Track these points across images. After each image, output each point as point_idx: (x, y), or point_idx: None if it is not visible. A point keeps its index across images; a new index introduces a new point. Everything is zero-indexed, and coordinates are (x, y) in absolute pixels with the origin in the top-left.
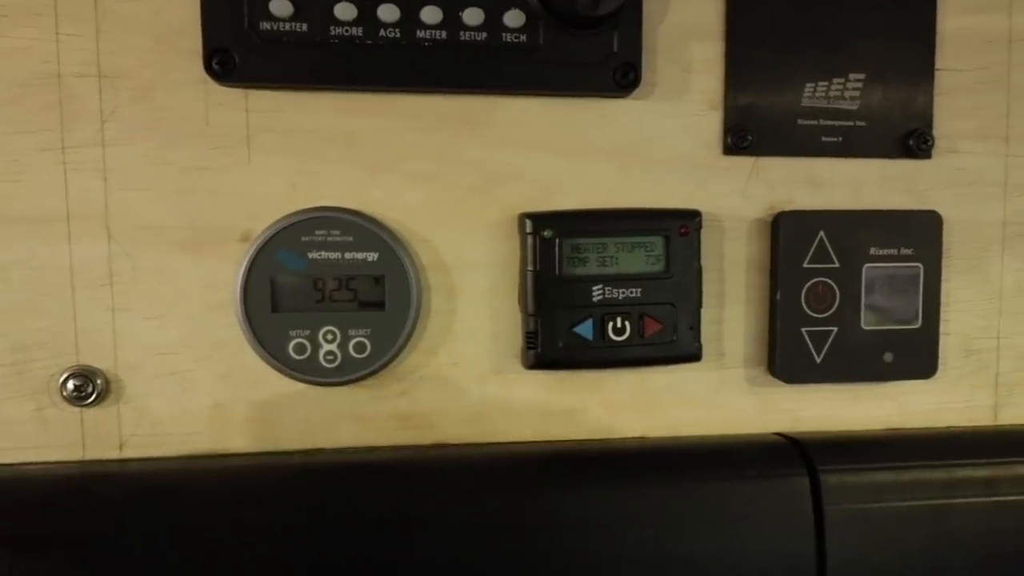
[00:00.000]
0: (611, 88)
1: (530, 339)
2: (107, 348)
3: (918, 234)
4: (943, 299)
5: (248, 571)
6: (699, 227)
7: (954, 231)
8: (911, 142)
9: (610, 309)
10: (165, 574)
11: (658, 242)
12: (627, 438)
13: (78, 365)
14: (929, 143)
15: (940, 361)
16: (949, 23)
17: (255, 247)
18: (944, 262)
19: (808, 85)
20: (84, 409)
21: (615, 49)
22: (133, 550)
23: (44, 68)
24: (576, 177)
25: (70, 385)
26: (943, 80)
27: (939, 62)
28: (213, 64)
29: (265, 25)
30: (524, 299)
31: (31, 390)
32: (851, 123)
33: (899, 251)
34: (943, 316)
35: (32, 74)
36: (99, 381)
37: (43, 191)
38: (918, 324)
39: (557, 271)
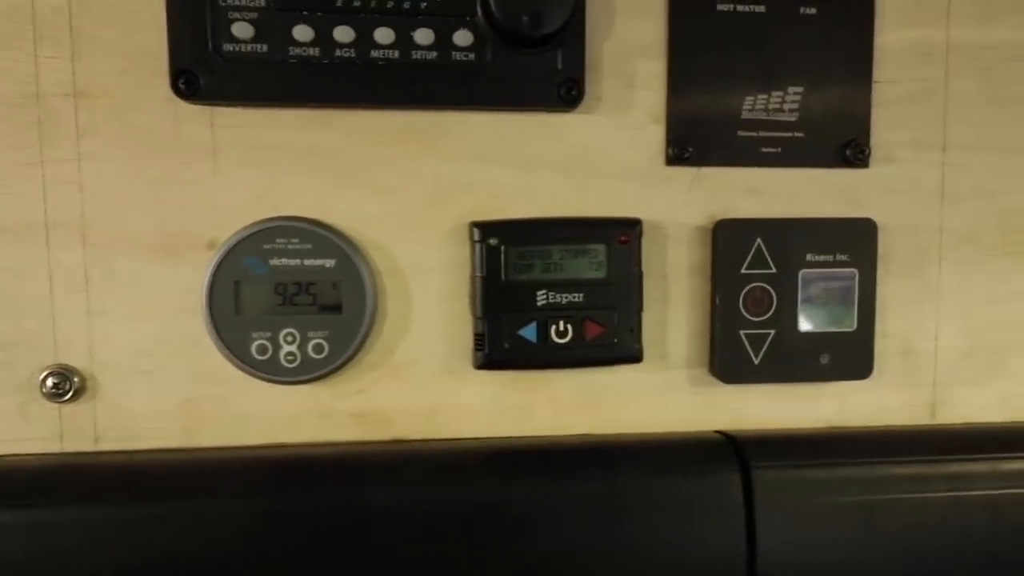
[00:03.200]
0: (556, 103)
1: (478, 341)
2: (83, 348)
3: (854, 241)
4: (882, 302)
5: (214, 558)
6: (639, 235)
7: (892, 237)
8: (848, 152)
9: (554, 313)
10: (135, 559)
11: (600, 249)
12: (572, 435)
13: (56, 364)
14: (866, 153)
15: (877, 362)
16: (887, 36)
17: (220, 254)
18: (883, 267)
19: (748, 98)
20: (62, 405)
21: (559, 66)
22: (105, 537)
23: (25, 88)
24: (525, 188)
25: (49, 383)
26: (881, 92)
27: (877, 75)
28: (179, 84)
29: (228, 47)
30: (473, 303)
31: (14, 387)
32: (790, 134)
33: (835, 257)
34: (882, 319)
35: (14, 94)
36: (76, 379)
37: (24, 202)
38: (854, 327)
39: (503, 277)
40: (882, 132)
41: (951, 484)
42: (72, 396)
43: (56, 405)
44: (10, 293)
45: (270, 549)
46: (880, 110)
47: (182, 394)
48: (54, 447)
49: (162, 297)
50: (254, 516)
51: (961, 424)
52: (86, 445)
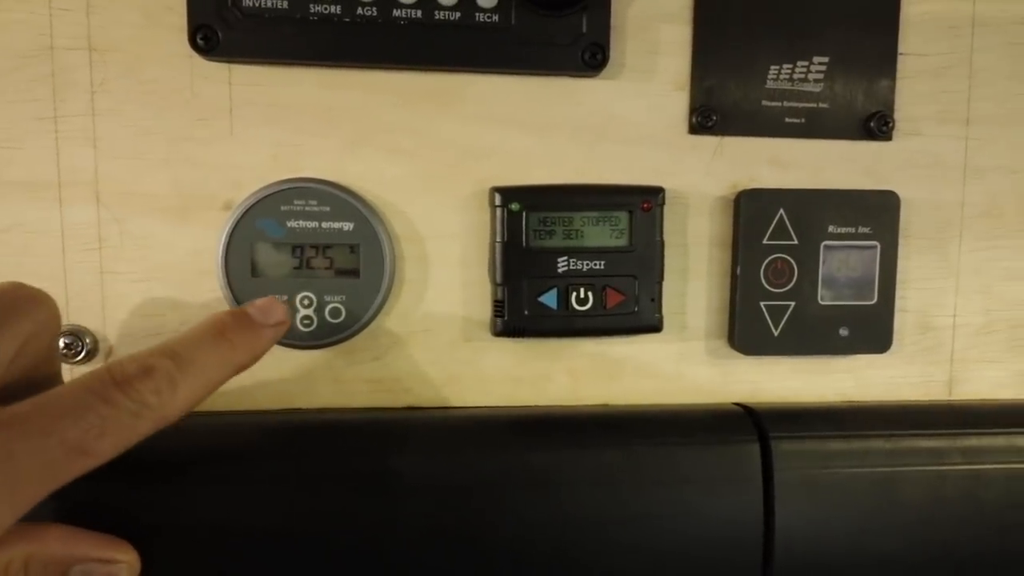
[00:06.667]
0: (580, 68)
1: (498, 307)
2: (96, 309)
3: (876, 213)
4: (902, 277)
5: (227, 523)
6: (662, 203)
7: (914, 211)
8: (872, 124)
9: (574, 280)
10: (147, 525)
11: (622, 217)
12: (590, 405)
13: (68, 325)
14: (890, 125)
15: (896, 337)
16: (913, 8)
17: (236, 215)
18: (903, 242)
19: (773, 68)
20: (73, 366)
21: (584, 30)
22: (114, 503)
23: (39, 41)
24: (546, 153)
25: (61, 343)
26: (906, 64)
27: (902, 47)
28: (197, 39)
29: (247, 2)
30: (492, 269)
31: None
32: (814, 105)
33: (857, 229)
34: (902, 294)
35: (27, 46)
36: (88, 340)
37: (37, 158)
38: (874, 300)
39: (524, 243)
40: (906, 105)
41: (969, 457)
42: (84, 357)
43: (68, 366)
44: (22, 251)
45: (284, 511)
46: (905, 82)
47: None
48: None
49: (176, 258)
50: (268, 481)
51: (978, 400)
52: None
